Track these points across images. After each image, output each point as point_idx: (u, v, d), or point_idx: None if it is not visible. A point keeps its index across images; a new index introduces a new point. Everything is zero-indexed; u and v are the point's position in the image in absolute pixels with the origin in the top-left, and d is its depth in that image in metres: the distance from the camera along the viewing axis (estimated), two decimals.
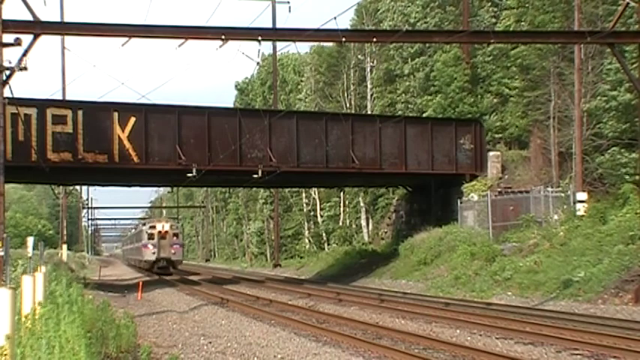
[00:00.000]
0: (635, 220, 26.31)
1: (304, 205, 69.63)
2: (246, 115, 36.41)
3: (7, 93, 20.55)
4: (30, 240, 16.42)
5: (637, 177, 31.26)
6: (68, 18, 51.64)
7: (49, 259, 42.48)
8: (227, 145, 33.91)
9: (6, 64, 20.15)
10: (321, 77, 63.52)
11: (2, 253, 17.65)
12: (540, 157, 38.49)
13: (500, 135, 43.82)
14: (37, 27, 20.96)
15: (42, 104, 32.14)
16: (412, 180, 42.35)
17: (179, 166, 33.66)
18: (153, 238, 56.39)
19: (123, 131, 32.89)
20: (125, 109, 33.38)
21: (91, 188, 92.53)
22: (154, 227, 56.93)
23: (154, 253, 55.94)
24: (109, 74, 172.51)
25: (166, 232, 56.44)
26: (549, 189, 34.54)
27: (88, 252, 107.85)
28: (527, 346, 15.91)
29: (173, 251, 56.40)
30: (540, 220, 33.18)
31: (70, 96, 48.54)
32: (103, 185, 52.55)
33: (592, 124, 35.12)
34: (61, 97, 47.25)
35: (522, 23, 41.85)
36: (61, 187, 63.41)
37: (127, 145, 32.93)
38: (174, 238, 57.11)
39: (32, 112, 31.26)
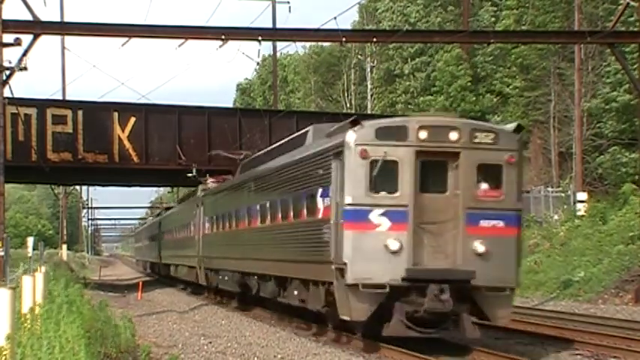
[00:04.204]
0: (635, 220, 26.31)
1: None
2: (246, 115, 36.39)
3: (7, 93, 20.58)
4: (30, 240, 16.47)
5: (637, 177, 31.25)
6: (68, 18, 51.49)
7: (49, 259, 42.53)
8: (227, 145, 33.86)
9: (6, 64, 20.17)
10: (319, 78, 63.36)
11: (2, 253, 17.68)
12: (540, 157, 38.51)
13: None
14: (37, 27, 20.98)
15: (42, 104, 32.16)
16: None
17: (179, 166, 33.63)
18: (393, 177, 13.48)
19: (123, 131, 32.88)
20: (125, 109, 33.38)
21: (91, 188, 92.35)
22: (404, 130, 13.66)
23: (399, 247, 13.28)
24: (109, 74, 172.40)
25: (458, 152, 13.56)
26: (549, 189, 34.54)
27: (88, 252, 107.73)
28: (527, 346, 15.89)
29: (481, 246, 13.41)
30: (540, 220, 33.16)
31: (70, 96, 48.18)
32: (103, 185, 52.55)
33: (592, 124, 35.12)
34: (61, 97, 47.19)
35: (523, 25, 41.80)
36: (61, 187, 63.46)
37: (127, 145, 32.92)
38: (492, 188, 13.79)
39: (32, 112, 31.27)
